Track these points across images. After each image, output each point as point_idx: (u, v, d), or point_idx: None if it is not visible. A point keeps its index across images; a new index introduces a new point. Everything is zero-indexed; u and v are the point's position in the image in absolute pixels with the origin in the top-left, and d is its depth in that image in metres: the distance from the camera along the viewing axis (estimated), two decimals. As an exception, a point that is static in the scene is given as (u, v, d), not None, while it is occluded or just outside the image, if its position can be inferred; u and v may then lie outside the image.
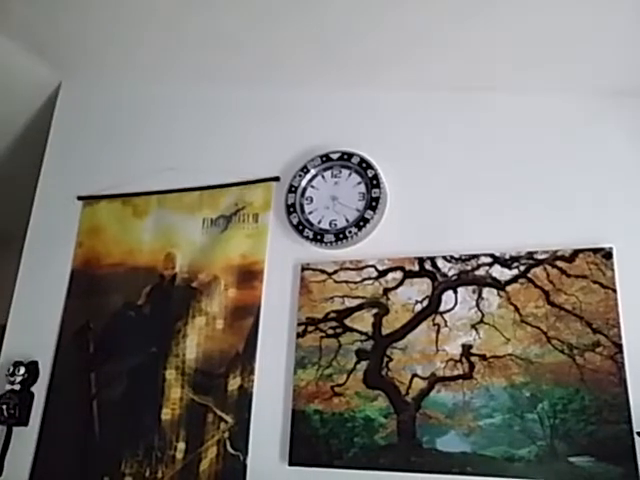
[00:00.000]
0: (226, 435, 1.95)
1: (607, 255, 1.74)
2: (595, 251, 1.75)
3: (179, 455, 1.98)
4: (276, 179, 2.19)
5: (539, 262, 1.79)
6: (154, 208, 2.32)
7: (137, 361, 2.14)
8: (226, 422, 1.96)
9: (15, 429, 2.14)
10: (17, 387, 2.16)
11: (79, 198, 2.42)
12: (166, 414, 2.03)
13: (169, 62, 2.33)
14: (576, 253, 1.76)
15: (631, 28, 1.65)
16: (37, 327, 2.29)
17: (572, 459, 1.59)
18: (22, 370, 2.18)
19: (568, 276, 1.76)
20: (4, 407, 2.13)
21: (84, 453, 2.07)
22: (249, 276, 2.10)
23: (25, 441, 2.13)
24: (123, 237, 2.32)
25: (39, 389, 2.20)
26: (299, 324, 1.97)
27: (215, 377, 2.02)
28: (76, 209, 2.40)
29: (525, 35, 1.78)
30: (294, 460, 1.83)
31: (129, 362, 2.15)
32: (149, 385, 2.09)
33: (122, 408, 2.10)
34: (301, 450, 1.84)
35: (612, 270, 1.72)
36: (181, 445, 1.98)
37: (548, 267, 1.78)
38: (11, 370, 2.17)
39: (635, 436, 1.53)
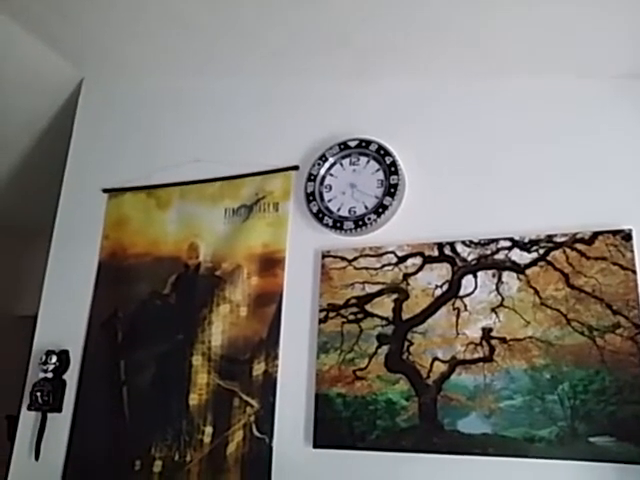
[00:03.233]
0: (252, 419, 2.00)
1: (627, 237, 1.73)
2: (614, 233, 1.75)
3: (207, 439, 2.03)
4: (295, 168, 2.22)
5: (558, 245, 1.80)
6: (177, 199, 2.37)
7: (164, 348, 2.20)
8: (252, 406, 2.01)
9: (49, 415, 2.22)
10: (50, 375, 2.24)
11: (104, 191, 2.47)
12: (193, 399, 2.09)
13: (188, 56, 2.36)
14: (595, 235, 1.77)
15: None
16: (67, 317, 2.36)
17: (592, 439, 1.61)
18: (54, 359, 2.25)
19: (587, 258, 1.76)
20: (38, 394, 2.21)
21: (115, 438, 2.14)
22: (271, 264, 2.14)
23: (59, 427, 2.21)
24: (148, 228, 2.38)
25: (71, 377, 2.27)
26: (321, 310, 2.01)
27: (240, 363, 2.07)
28: (101, 201, 2.46)
29: (540, 19, 1.77)
30: (318, 442, 1.88)
31: (157, 349, 2.21)
32: (176, 371, 2.14)
33: (151, 394, 2.16)
34: (325, 433, 1.88)
35: (632, 252, 1.72)
36: (208, 429, 2.04)
37: (567, 250, 1.79)
38: (43, 359, 2.25)
39: (656, 416, 1.54)
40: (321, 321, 2.00)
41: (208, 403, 2.07)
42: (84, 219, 2.48)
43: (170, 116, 2.51)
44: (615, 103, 1.88)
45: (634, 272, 1.70)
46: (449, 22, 1.88)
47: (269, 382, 2.01)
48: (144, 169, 2.43)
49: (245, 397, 2.03)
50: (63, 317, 2.37)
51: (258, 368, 2.05)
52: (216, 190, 2.32)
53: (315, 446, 1.88)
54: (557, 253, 1.80)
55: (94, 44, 2.43)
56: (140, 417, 2.15)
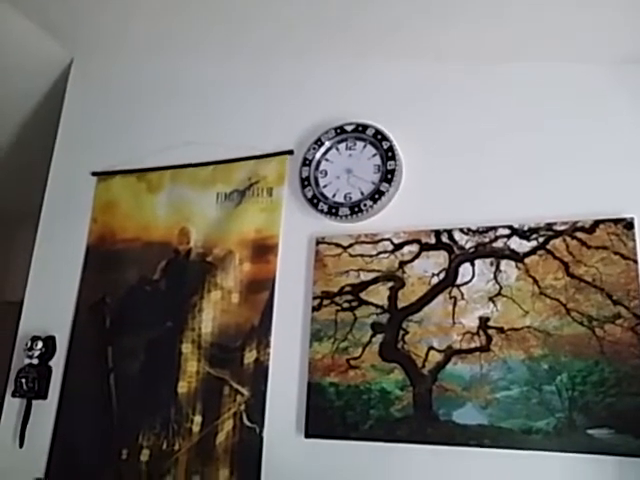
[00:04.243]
0: (242, 408, 1.95)
1: (628, 225, 1.70)
2: (616, 222, 1.71)
3: (195, 428, 1.99)
4: (290, 152, 2.17)
5: (558, 233, 1.76)
6: (168, 183, 2.31)
7: (153, 335, 2.15)
8: (242, 395, 1.97)
9: (34, 402, 2.17)
10: (35, 361, 2.18)
11: (93, 174, 2.41)
12: (182, 387, 2.04)
13: (181, 39, 2.31)
14: (596, 224, 1.73)
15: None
16: (54, 303, 2.30)
17: (590, 431, 1.57)
18: (40, 345, 2.20)
19: (588, 247, 1.72)
20: (23, 381, 2.16)
21: (102, 426, 2.09)
22: (264, 250, 2.09)
23: (44, 414, 2.15)
24: (138, 212, 2.32)
25: (57, 364, 2.21)
26: (314, 298, 1.97)
27: (231, 350, 2.03)
28: (90, 185, 2.39)
29: (539, 4, 1.73)
30: (310, 432, 1.83)
31: (145, 336, 2.16)
32: (165, 359, 2.09)
33: (139, 382, 2.11)
34: (317, 422, 1.84)
35: (633, 241, 1.68)
36: (197, 418, 2.00)
37: (568, 238, 1.75)
38: (29, 345, 2.19)
39: (656, 408, 1.51)
40: (314, 309, 1.95)
41: (197, 391, 2.03)
42: (72, 202, 2.42)
43: (162, 98, 2.44)
44: (617, 89, 1.85)
45: (635, 262, 1.66)
46: (449, 5, 1.83)
47: (260, 370, 1.97)
48: (134, 152, 2.37)
49: (236, 385, 1.99)
50: (49, 302, 2.32)
51: (249, 356, 2.00)
52: (208, 174, 2.26)
53: (307, 436, 1.83)
54: (557, 242, 1.76)
55: (84, 24, 2.36)
56: (128, 405, 2.10)
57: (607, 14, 1.71)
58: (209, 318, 2.09)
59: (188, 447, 1.98)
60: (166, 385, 2.06)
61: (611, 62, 1.85)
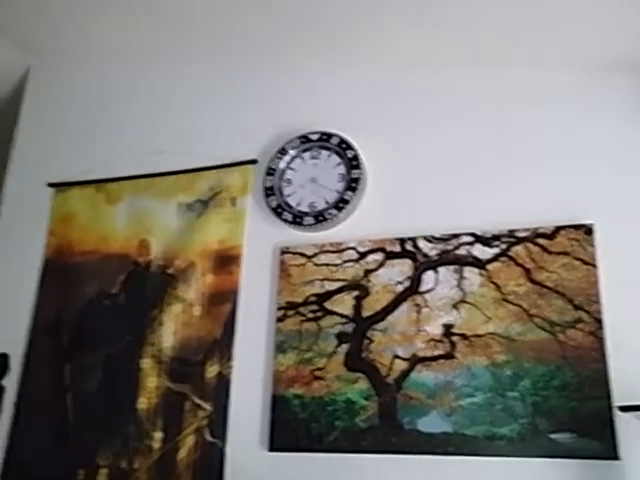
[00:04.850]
0: (204, 423, 1.90)
1: (588, 231, 1.72)
2: (576, 227, 1.74)
3: (156, 445, 1.92)
4: (254, 162, 2.15)
5: (520, 240, 1.78)
6: (128, 194, 2.27)
7: (112, 351, 2.08)
8: (204, 410, 1.91)
9: (-14, 422, 2.08)
10: (-13, 380, 2.09)
11: (50, 185, 2.35)
12: (142, 403, 1.98)
13: (142, 45, 2.28)
14: (557, 230, 1.75)
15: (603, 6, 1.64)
16: (8, 319, 2.22)
17: (553, 436, 1.57)
18: (-8, 363, 2.10)
19: (549, 253, 1.74)
20: (-26, 400, 2.06)
21: (58, 446, 2.01)
22: (227, 261, 2.06)
23: (-4, 434, 2.06)
24: (96, 224, 2.27)
25: (11, 382, 2.12)
26: (279, 308, 1.93)
27: (192, 364, 1.98)
28: (47, 196, 2.33)
29: (503, 11, 1.76)
30: (274, 446, 1.79)
31: (104, 352, 2.09)
32: (125, 375, 2.03)
33: (97, 399, 2.04)
34: (281, 435, 1.80)
35: (593, 246, 1.71)
36: (158, 434, 1.93)
37: (529, 245, 1.77)
38: (-20, 363, 2.10)
39: (615, 411, 1.51)
40: (279, 320, 1.92)
41: (158, 407, 1.97)
42: (29, 214, 2.35)
43: (123, 107, 2.41)
44: (578, 97, 1.88)
45: (595, 267, 1.69)
46: (415, 11, 1.84)
47: (223, 384, 1.92)
48: (93, 162, 2.32)
49: (197, 400, 1.93)
50: (3, 319, 2.23)
51: (211, 370, 1.95)
52: (170, 184, 2.22)
53: (271, 449, 1.79)
54: (519, 248, 1.77)
55: (42, 30, 2.32)
56: (85, 424, 2.03)
57: (574, 22, 1.75)
58: (170, 332, 2.04)
59: (148, 465, 1.91)
60: (125, 402, 2.00)
61: (575, 70, 1.89)
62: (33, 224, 2.31)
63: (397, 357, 1.78)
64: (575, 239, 1.73)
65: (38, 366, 2.14)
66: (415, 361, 1.76)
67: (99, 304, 2.17)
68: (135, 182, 2.26)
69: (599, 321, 1.63)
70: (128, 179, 2.27)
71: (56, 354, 2.13)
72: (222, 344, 1.97)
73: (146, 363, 2.03)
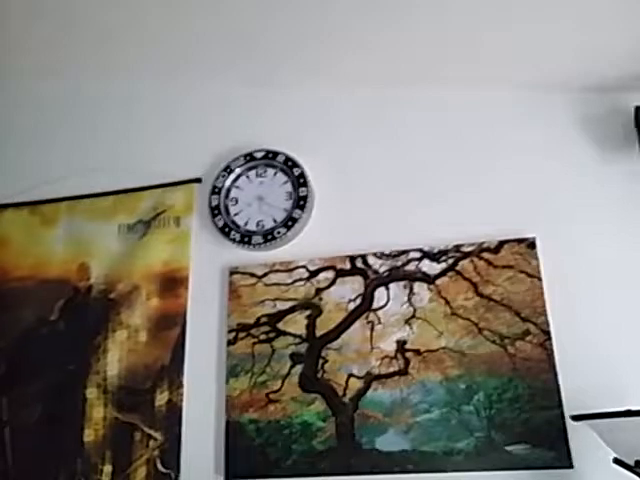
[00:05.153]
0: (156, 453, 1.83)
1: (531, 245, 1.77)
2: (519, 241, 1.78)
3: (105, 478, 1.84)
4: (197, 180, 2.10)
5: (466, 255, 1.81)
6: (64, 215, 2.16)
7: (53, 381, 1.98)
8: (155, 439, 1.85)
9: None
10: None
11: (-21, 207, 2.21)
12: (89, 436, 1.89)
13: (79, 57, 2.17)
14: (501, 244, 1.79)
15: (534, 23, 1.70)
16: None
17: (509, 448, 1.61)
18: None
19: (495, 267, 1.78)
20: None
21: (-4, 487, 1.90)
22: (173, 283, 1.99)
23: None
24: (31, 248, 2.15)
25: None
26: (229, 331, 1.89)
27: (141, 393, 1.90)
28: (-24, 220, 2.19)
29: (442, 34, 1.79)
30: (231, 474, 1.75)
31: (44, 383, 1.98)
32: (68, 406, 1.94)
33: (39, 434, 1.93)
34: (237, 462, 1.76)
35: (536, 259, 1.76)
36: (107, 468, 1.85)
37: (475, 259, 1.80)
38: None
39: (567, 420, 1.57)
40: (230, 343, 1.88)
41: (106, 439, 1.88)
42: (-45, 240, 2.19)
43: (57, 123, 2.30)
44: (517, 112, 1.93)
45: (539, 279, 1.74)
46: (359, 31, 1.84)
47: (173, 412, 1.86)
48: (26, 182, 2.20)
49: (147, 430, 1.86)
50: None
51: (161, 398, 1.89)
52: (109, 205, 2.13)
53: (227, 477, 1.75)
54: (465, 262, 1.81)
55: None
56: (26, 460, 1.92)
57: (508, 43, 1.80)
58: (115, 359, 1.96)
59: (97, 501, 1.83)
60: (70, 435, 1.91)
61: (515, 87, 1.93)
62: (-40, 250, 2.17)
63: (352, 376, 1.77)
64: (518, 252, 1.78)
65: (-29, 402, 2.01)
66: (370, 379, 1.76)
67: (37, 332, 2.06)
68: (71, 203, 2.16)
69: (547, 332, 1.68)
70: (63, 200, 2.16)
71: (-9, 387, 2.01)
72: (171, 370, 1.90)
73: (91, 393, 1.94)
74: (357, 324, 1.82)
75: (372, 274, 1.86)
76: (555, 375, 1.64)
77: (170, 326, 1.95)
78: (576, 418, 1.40)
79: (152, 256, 2.04)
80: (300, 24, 1.85)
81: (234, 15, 1.87)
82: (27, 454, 1.93)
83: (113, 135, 2.23)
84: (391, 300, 1.82)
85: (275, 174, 2.03)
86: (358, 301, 1.84)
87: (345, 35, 1.87)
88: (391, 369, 1.76)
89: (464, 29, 1.76)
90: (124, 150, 2.19)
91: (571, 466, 1.55)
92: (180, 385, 1.88)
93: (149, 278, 2.01)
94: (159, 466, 1.82)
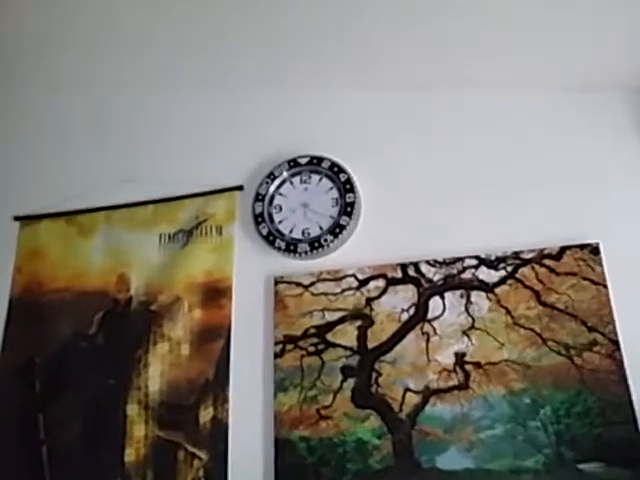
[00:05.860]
0: (201, 473, 1.75)
1: (594, 250, 1.69)
2: (582, 247, 1.70)
3: (147, 500, 1.76)
4: (239, 188, 2.04)
5: (526, 262, 1.72)
6: (102, 225, 2.10)
7: (92, 398, 1.91)
8: (200, 459, 1.77)
9: (-51, 487, 1.86)
10: (-51, 438, 1.88)
11: (16, 218, 2.16)
12: (130, 455, 1.81)
13: (115, 69, 2.14)
14: (563, 250, 1.70)
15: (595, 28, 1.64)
16: (-30, 367, 2.01)
17: (581, 466, 1.51)
18: (-46, 418, 1.89)
19: (557, 274, 1.69)
20: None
21: (34, 507, 1.82)
22: (216, 294, 1.92)
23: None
24: (69, 259, 2.09)
25: (-25, 438, 1.92)
26: (276, 343, 1.81)
27: (184, 409, 1.83)
28: (13, 230, 2.14)
29: (492, 33, 1.74)
30: (281, 494, 1.66)
31: (83, 400, 1.91)
32: (108, 423, 1.86)
33: (78, 452, 1.85)
34: (288, 482, 1.67)
35: (601, 265, 1.67)
36: (149, 488, 1.77)
37: (536, 266, 1.71)
38: (-59, 419, 1.89)
39: (643, 436, 1.47)
40: (277, 355, 1.80)
41: (147, 458, 1.80)
42: (-8, 251, 2.15)
43: (95, 133, 2.25)
44: (580, 117, 1.86)
45: (605, 286, 1.65)
46: (402, 35, 1.79)
47: (219, 429, 1.78)
48: (63, 193, 2.15)
49: (191, 448, 1.78)
50: (-35, 367, 2.01)
51: (205, 414, 1.81)
52: (149, 214, 2.08)
53: (278, 498, 1.66)
54: (526, 270, 1.72)
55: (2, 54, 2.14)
56: (64, 480, 1.84)
57: (566, 46, 1.74)
58: (156, 374, 1.88)
59: (139, 524, 1.75)
60: (110, 454, 1.83)
61: (574, 90, 1.87)
62: (-2, 261, 2.12)
63: (409, 390, 1.68)
64: (582, 259, 1.69)
65: (6, 418, 1.94)
66: (428, 394, 1.67)
67: (75, 346, 1.99)
68: (109, 213, 2.10)
69: (615, 342, 1.59)
70: (102, 210, 2.11)
71: (28, 403, 1.94)
72: (216, 385, 1.83)
73: (132, 409, 1.86)
74: (411, 335, 1.74)
75: (426, 283, 1.78)
76: (627, 387, 1.54)
77: (214, 338, 1.88)
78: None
79: (194, 266, 1.97)
80: (342, 29, 1.80)
81: (276, 20, 1.83)
82: (66, 474, 1.85)
83: (156, 145, 2.18)
84: (447, 310, 1.74)
85: (320, 180, 1.97)
86: (412, 311, 1.76)
87: (389, 39, 1.81)
88: (450, 383, 1.67)
89: (515, 29, 1.70)
90: (166, 160, 2.14)
91: (652, 486, 1.45)
92: (225, 400, 1.80)
93: (191, 289, 1.94)
94: (205, 486, 1.74)
